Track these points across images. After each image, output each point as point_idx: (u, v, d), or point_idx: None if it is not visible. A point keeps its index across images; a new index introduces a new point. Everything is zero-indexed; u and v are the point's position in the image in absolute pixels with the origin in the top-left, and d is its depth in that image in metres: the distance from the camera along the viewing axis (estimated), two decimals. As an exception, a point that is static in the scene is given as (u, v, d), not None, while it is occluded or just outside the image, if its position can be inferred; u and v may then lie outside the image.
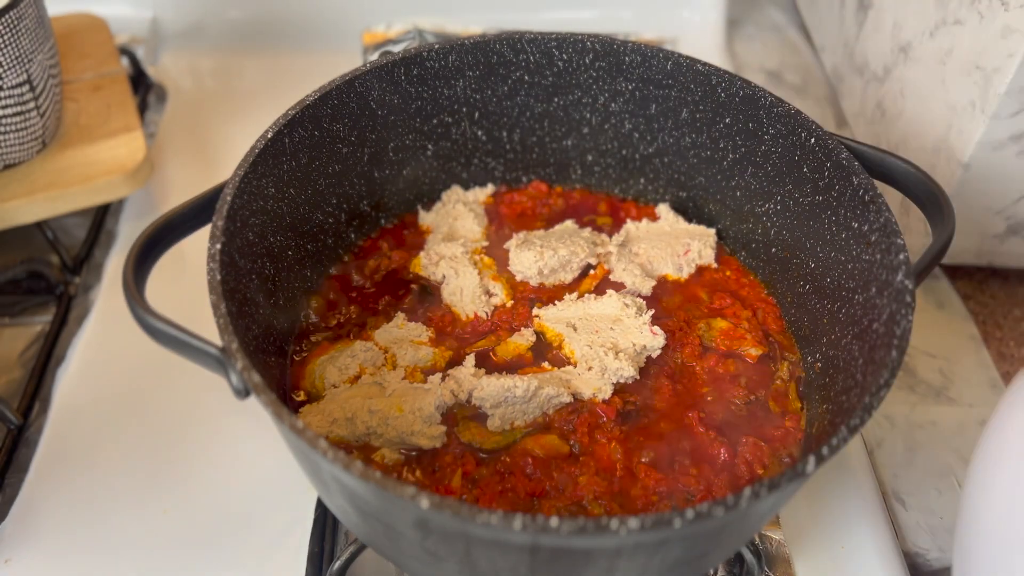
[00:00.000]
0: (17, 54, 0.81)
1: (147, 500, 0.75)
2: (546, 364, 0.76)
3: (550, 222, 0.89)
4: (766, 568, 0.72)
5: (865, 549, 0.73)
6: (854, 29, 1.09)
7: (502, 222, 0.89)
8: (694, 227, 0.87)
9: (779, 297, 0.82)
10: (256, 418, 0.77)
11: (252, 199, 0.69)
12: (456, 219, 0.87)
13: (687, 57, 0.80)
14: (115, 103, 0.98)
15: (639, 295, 0.81)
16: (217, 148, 1.08)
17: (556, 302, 0.80)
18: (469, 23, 1.25)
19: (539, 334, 0.78)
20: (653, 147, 0.87)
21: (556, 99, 0.87)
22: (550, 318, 0.79)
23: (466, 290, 0.80)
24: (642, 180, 0.90)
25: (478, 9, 1.24)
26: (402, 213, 0.89)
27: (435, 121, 0.86)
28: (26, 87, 0.84)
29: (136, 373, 0.84)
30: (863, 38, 1.06)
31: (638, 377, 0.74)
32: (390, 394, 0.71)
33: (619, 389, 0.73)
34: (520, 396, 0.70)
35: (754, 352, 0.77)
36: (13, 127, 0.85)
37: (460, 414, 0.71)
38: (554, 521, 0.47)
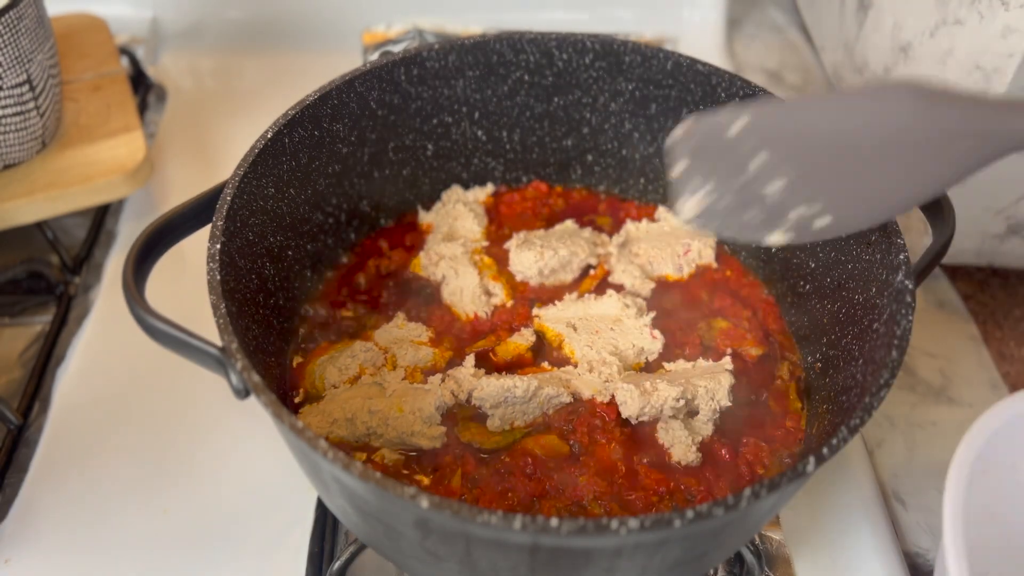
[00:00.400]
0: (17, 54, 0.81)
1: (147, 500, 0.75)
2: (546, 364, 0.76)
3: (550, 222, 0.89)
4: (766, 568, 0.72)
5: (865, 549, 0.73)
6: (854, 29, 1.09)
7: (502, 222, 0.89)
8: (694, 227, 0.87)
9: (779, 297, 0.82)
10: (256, 418, 0.77)
11: (252, 199, 0.69)
12: (456, 219, 0.87)
13: (687, 57, 0.80)
14: (115, 103, 0.98)
15: (639, 296, 0.81)
16: (217, 148, 1.08)
17: (556, 302, 0.80)
18: (469, 23, 1.25)
19: (539, 334, 0.78)
20: (653, 147, 0.87)
21: (556, 99, 0.87)
22: (550, 318, 0.79)
23: (466, 290, 0.80)
24: (642, 180, 0.90)
25: (478, 9, 1.24)
26: (402, 213, 0.89)
27: (435, 121, 0.86)
28: (26, 87, 0.84)
29: (136, 373, 0.84)
30: (863, 38, 1.06)
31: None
32: (390, 394, 0.71)
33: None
34: (520, 396, 0.70)
35: (754, 352, 0.77)
36: (13, 127, 0.85)
37: (460, 414, 0.71)
38: (554, 521, 0.47)
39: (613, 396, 0.72)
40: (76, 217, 1.01)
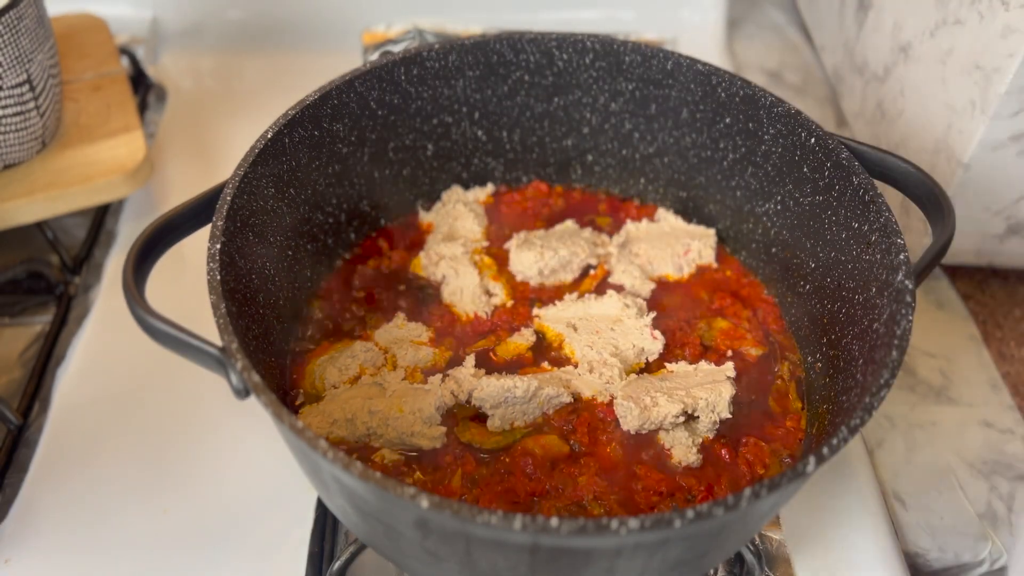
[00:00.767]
0: (17, 54, 0.81)
1: (147, 500, 0.75)
2: (546, 364, 0.76)
3: (550, 222, 0.89)
4: (766, 568, 0.72)
5: (865, 549, 0.73)
6: (854, 29, 1.09)
7: (502, 222, 0.89)
8: (694, 227, 0.87)
9: (779, 297, 0.82)
10: (256, 418, 0.77)
11: (252, 199, 0.69)
12: (456, 219, 0.87)
13: (687, 57, 0.80)
14: (115, 103, 0.98)
15: (639, 296, 0.81)
16: (217, 148, 1.08)
17: (556, 302, 0.80)
18: (469, 23, 1.25)
19: (539, 334, 0.78)
20: (653, 147, 0.87)
21: (556, 99, 0.87)
22: (550, 318, 0.79)
23: (466, 290, 0.80)
24: (642, 180, 0.90)
25: (478, 9, 1.24)
26: (402, 213, 0.89)
27: (435, 121, 0.86)
28: (26, 87, 0.84)
29: (136, 373, 0.84)
30: (863, 38, 1.06)
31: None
32: (390, 395, 0.71)
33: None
34: (520, 396, 0.70)
35: (754, 352, 0.77)
36: (13, 127, 0.85)
37: (460, 414, 0.71)
38: (554, 521, 0.47)
39: (613, 396, 0.72)
40: (76, 217, 1.01)
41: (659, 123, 0.85)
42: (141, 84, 1.17)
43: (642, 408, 0.69)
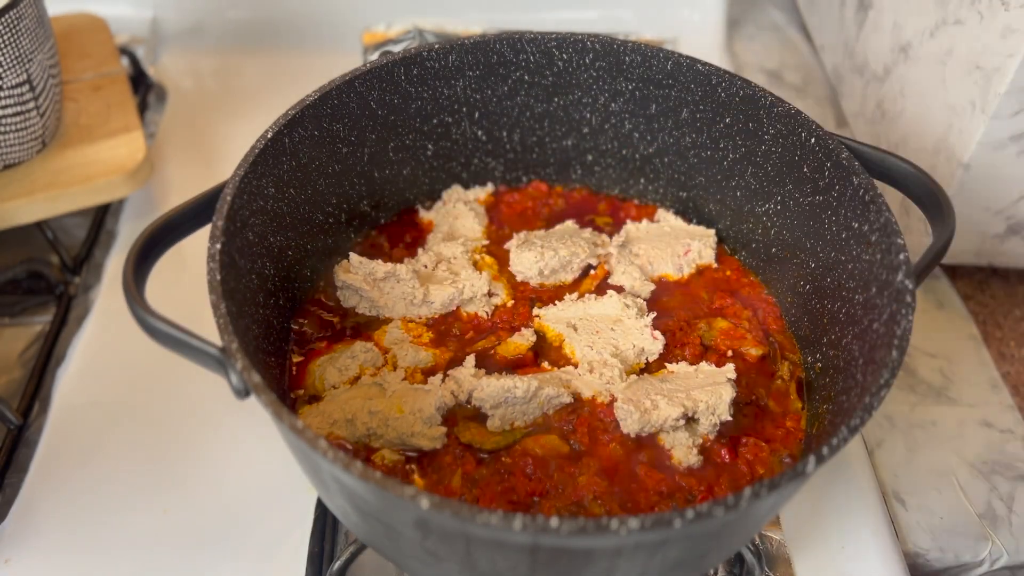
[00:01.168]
0: (17, 54, 0.81)
1: (147, 500, 0.75)
2: (546, 364, 0.76)
3: (550, 222, 0.89)
4: (766, 568, 0.72)
5: (865, 549, 0.73)
6: (854, 29, 1.09)
7: (502, 222, 0.89)
8: (694, 227, 0.87)
9: (779, 297, 0.82)
10: (256, 418, 0.77)
11: (252, 199, 0.69)
12: (457, 218, 0.87)
13: (687, 57, 0.80)
14: (115, 103, 0.98)
15: (639, 296, 0.81)
16: (217, 148, 1.08)
17: (556, 302, 0.80)
18: (469, 23, 1.25)
19: (539, 334, 0.78)
20: (653, 147, 0.87)
21: (556, 99, 0.87)
22: (550, 318, 0.79)
23: (467, 290, 0.80)
24: (642, 180, 0.90)
25: (478, 9, 1.24)
26: (402, 213, 0.89)
27: (435, 121, 0.86)
28: (26, 87, 0.84)
29: (136, 373, 0.84)
30: (863, 38, 1.06)
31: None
32: (390, 395, 0.71)
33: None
34: (520, 396, 0.70)
35: (754, 352, 0.77)
36: (13, 127, 0.85)
37: (460, 414, 0.71)
38: (554, 521, 0.47)
39: (614, 397, 0.72)
40: (76, 217, 1.01)
41: (659, 123, 0.85)
42: (141, 84, 1.17)
43: (642, 411, 0.69)
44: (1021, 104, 0.79)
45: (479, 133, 0.88)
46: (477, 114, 0.87)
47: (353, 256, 0.79)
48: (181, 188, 1.02)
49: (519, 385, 0.70)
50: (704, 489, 0.67)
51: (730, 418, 0.71)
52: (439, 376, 0.73)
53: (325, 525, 0.75)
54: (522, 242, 0.83)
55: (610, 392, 0.72)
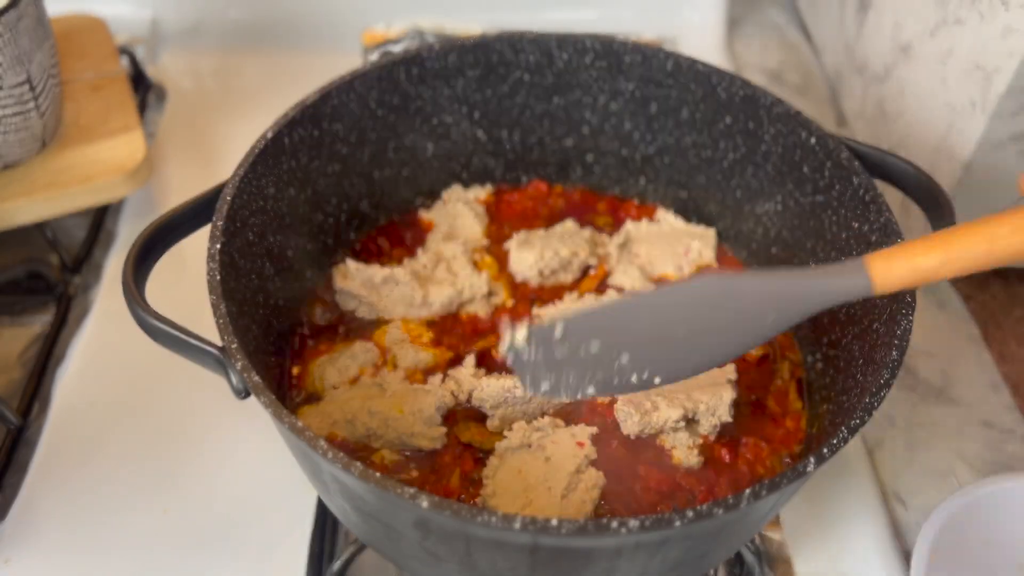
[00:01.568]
0: (17, 54, 0.81)
1: (147, 500, 0.75)
2: (546, 364, 0.76)
3: (550, 222, 0.89)
4: (766, 568, 0.72)
5: (865, 549, 0.73)
6: (854, 29, 1.09)
7: (502, 221, 0.89)
8: (694, 227, 0.87)
9: (779, 297, 0.82)
10: (256, 418, 0.77)
11: (252, 199, 0.69)
12: (456, 217, 0.87)
13: (687, 57, 0.80)
14: (115, 103, 0.98)
15: (639, 295, 0.81)
16: (217, 148, 1.08)
17: (556, 302, 0.80)
18: (469, 23, 1.25)
19: (539, 334, 0.78)
20: (653, 147, 0.87)
21: (556, 99, 0.87)
22: (551, 318, 0.79)
23: (467, 290, 0.80)
24: (642, 180, 0.90)
25: (478, 9, 1.24)
26: (402, 212, 0.89)
27: (435, 121, 0.86)
28: (26, 87, 0.84)
29: (136, 373, 0.84)
30: (863, 38, 1.06)
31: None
32: (390, 395, 0.71)
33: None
34: (520, 396, 0.70)
35: (754, 352, 0.77)
36: (13, 127, 0.85)
37: (460, 414, 0.71)
38: (554, 521, 0.47)
39: (614, 398, 0.72)
40: (76, 217, 1.01)
41: (659, 123, 0.85)
42: (141, 84, 1.17)
43: (642, 413, 0.69)
44: (1021, 104, 0.79)
45: (479, 133, 0.88)
46: (477, 114, 0.87)
47: (350, 262, 0.79)
48: (181, 188, 1.02)
49: (519, 385, 0.70)
50: (704, 489, 0.67)
51: (730, 419, 0.70)
52: (439, 376, 0.73)
53: (325, 525, 0.75)
54: (522, 242, 0.83)
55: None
